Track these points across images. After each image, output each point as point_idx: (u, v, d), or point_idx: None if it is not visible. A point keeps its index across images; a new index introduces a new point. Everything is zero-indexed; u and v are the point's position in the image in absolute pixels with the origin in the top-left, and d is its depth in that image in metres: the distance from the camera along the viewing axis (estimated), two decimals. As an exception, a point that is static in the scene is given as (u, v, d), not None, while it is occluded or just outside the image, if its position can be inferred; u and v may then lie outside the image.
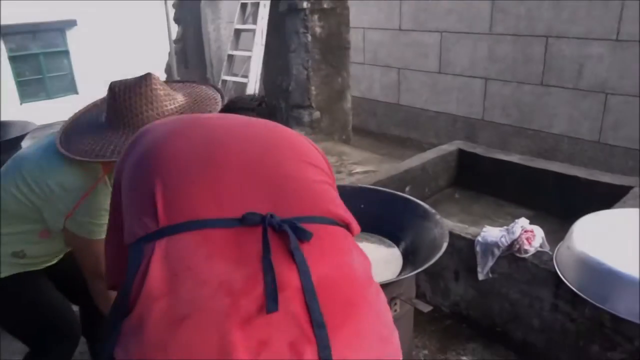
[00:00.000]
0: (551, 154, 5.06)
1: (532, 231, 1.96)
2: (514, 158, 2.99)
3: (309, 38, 4.63)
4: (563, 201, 2.77)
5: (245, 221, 0.83)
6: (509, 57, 5.11)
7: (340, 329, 0.77)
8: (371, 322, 0.83)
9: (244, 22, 4.87)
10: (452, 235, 2.16)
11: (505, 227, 2.05)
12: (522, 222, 1.99)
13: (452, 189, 3.24)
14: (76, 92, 5.62)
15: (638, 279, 1.55)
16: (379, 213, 2.10)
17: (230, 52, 4.91)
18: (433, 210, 1.93)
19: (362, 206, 2.14)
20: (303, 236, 0.83)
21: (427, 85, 6.05)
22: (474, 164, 3.16)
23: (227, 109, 1.35)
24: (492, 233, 2.05)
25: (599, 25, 4.33)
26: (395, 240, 2.02)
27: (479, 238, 2.06)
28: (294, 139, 1.05)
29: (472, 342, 2.19)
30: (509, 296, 2.04)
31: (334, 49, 4.85)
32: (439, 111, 6.00)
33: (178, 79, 5.03)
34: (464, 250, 2.13)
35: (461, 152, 3.22)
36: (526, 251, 1.93)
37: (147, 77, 1.46)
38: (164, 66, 5.52)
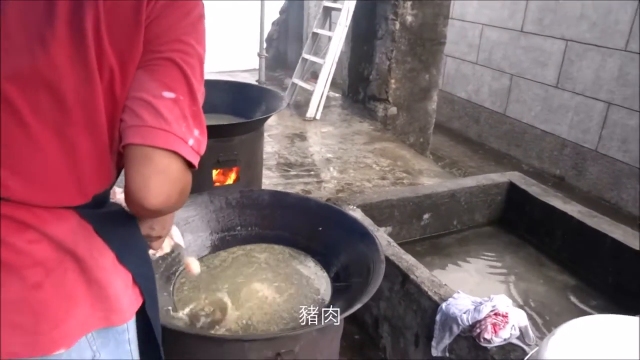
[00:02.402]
0: (672, 210, 4.09)
1: (505, 316, 1.47)
2: (572, 209, 2.37)
3: (397, 26, 4.20)
4: (617, 277, 2.13)
5: None
6: (642, 83, 4.17)
7: None
8: (5, 307, 0.72)
9: (335, 0, 4.57)
10: (420, 292, 1.74)
11: (481, 299, 1.57)
12: (498, 301, 1.50)
13: (492, 228, 2.69)
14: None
15: None
16: (334, 241, 1.76)
17: (315, 30, 4.65)
18: (382, 256, 1.54)
19: (320, 229, 1.82)
20: None
21: (539, 99, 5.24)
22: (523, 204, 2.58)
23: None
24: (460, 303, 1.59)
25: None
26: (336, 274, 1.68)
27: (443, 306, 1.61)
28: None
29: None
30: (463, 388, 1.58)
31: (426, 41, 4.36)
32: (547, 131, 5.18)
33: (264, 53, 4.91)
34: (428, 313, 1.70)
35: (512, 187, 2.65)
36: (487, 340, 1.46)
37: None
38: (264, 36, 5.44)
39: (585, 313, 2.07)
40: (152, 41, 0.76)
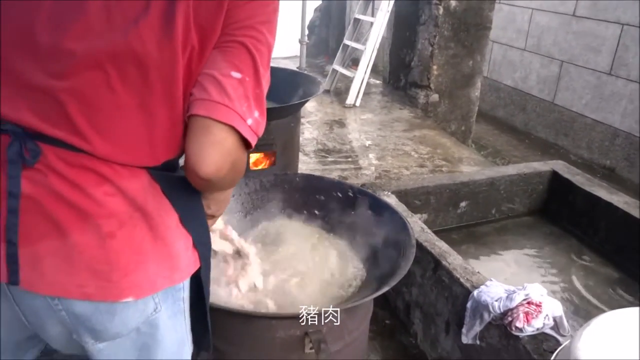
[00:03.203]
0: None
1: (538, 305, 1.43)
2: (618, 200, 2.26)
3: (441, 11, 4.11)
4: (664, 273, 2.03)
5: None
6: None
7: (34, 247, 0.79)
8: (82, 251, 0.80)
9: (378, -15, 4.51)
10: (452, 279, 1.72)
11: (514, 287, 1.54)
12: (531, 290, 1.47)
13: (533, 218, 2.61)
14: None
15: None
16: (367, 225, 1.76)
17: (357, 16, 4.61)
18: (413, 240, 1.53)
19: (353, 213, 1.83)
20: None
21: (591, 87, 5.02)
22: (566, 194, 2.49)
23: None
24: (492, 291, 1.55)
25: None
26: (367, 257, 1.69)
27: (475, 293, 1.59)
28: None
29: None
30: (493, 377, 1.55)
31: (470, 26, 4.25)
32: (598, 120, 4.96)
33: (305, 40, 4.91)
34: (459, 300, 1.68)
35: (555, 176, 2.56)
36: (519, 329, 1.42)
37: None
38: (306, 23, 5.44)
39: (628, 306, 1.99)
40: (229, 25, 0.82)
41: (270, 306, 1.50)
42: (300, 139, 3.71)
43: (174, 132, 0.85)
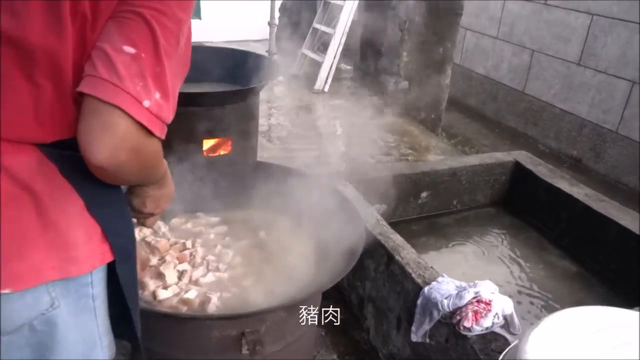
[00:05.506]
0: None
1: (487, 303, 1.38)
2: (578, 192, 2.23)
3: (412, -5, 4.02)
4: (621, 266, 2.02)
5: None
6: (670, 61, 3.94)
7: None
8: None
9: (348, -33, 4.39)
10: (404, 274, 1.66)
11: (465, 284, 1.48)
12: (482, 287, 1.41)
13: (495, 209, 2.58)
14: (199, 17, 5.73)
15: None
16: (318, 215, 1.68)
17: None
18: (363, 234, 1.46)
19: (304, 201, 1.74)
20: None
21: (560, 76, 5.02)
22: (527, 185, 2.46)
23: None
24: (443, 287, 1.50)
25: None
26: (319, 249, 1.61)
27: (425, 290, 1.53)
28: None
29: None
30: (442, 376, 1.50)
31: (441, 12, 4.18)
32: (566, 110, 4.97)
33: (275, 22, 4.78)
34: (410, 296, 1.62)
35: (517, 167, 2.52)
36: (467, 328, 1.37)
37: None
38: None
39: (583, 302, 1.97)
40: None
41: (214, 301, 1.42)
42: (266, 124, 3.62)
43: (64, 108, 0.75)
